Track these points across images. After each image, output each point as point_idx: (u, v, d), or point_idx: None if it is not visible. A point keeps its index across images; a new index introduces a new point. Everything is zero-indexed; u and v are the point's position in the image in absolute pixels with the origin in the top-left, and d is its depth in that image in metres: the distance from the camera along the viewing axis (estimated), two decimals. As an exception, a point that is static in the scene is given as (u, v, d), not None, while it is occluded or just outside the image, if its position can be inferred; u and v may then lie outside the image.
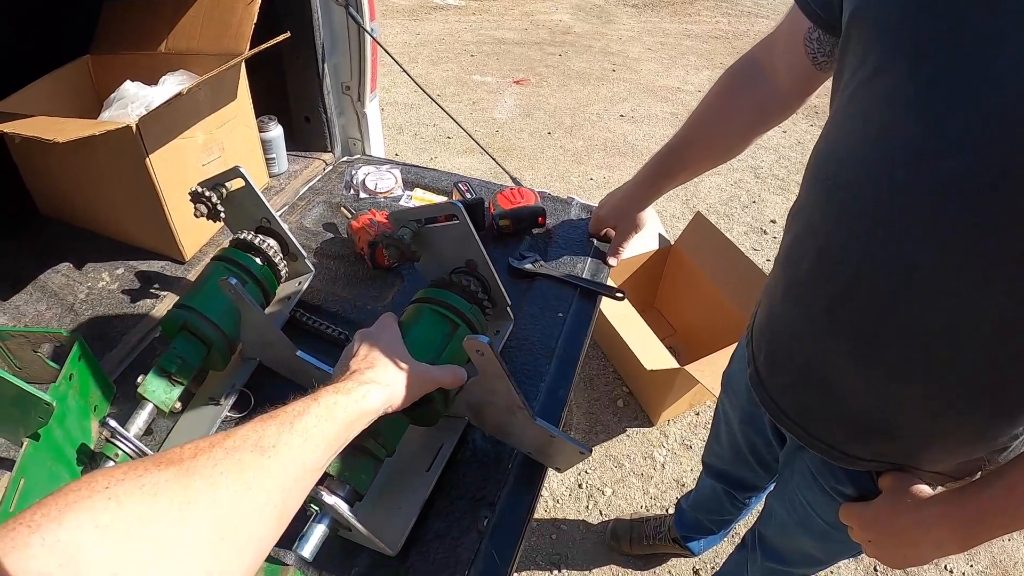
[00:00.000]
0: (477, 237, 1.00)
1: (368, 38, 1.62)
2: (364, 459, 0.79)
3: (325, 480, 0.76)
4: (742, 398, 1.19)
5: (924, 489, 0.82)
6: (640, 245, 2.44)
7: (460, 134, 3.89)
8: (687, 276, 2.46)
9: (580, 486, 2.19)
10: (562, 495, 2.16)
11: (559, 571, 1.96)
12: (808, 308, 0.83)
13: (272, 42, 1.38)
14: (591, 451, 0.85)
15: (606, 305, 2.19)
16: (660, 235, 2.47)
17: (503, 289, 1.06)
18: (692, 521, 1.80)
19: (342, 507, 0.73)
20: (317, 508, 0.74)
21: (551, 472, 2.12)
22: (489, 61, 4.94)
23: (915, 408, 0.78)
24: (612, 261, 1.35)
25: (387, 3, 6.04)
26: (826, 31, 0.84)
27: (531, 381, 1.08)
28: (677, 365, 1.99)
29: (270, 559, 0.84)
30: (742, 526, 1.98)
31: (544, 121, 4.16)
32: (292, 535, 0.76)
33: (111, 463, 0.90)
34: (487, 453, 0.97)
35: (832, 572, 1.91)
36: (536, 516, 2.07)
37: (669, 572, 1.95)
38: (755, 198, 3.38)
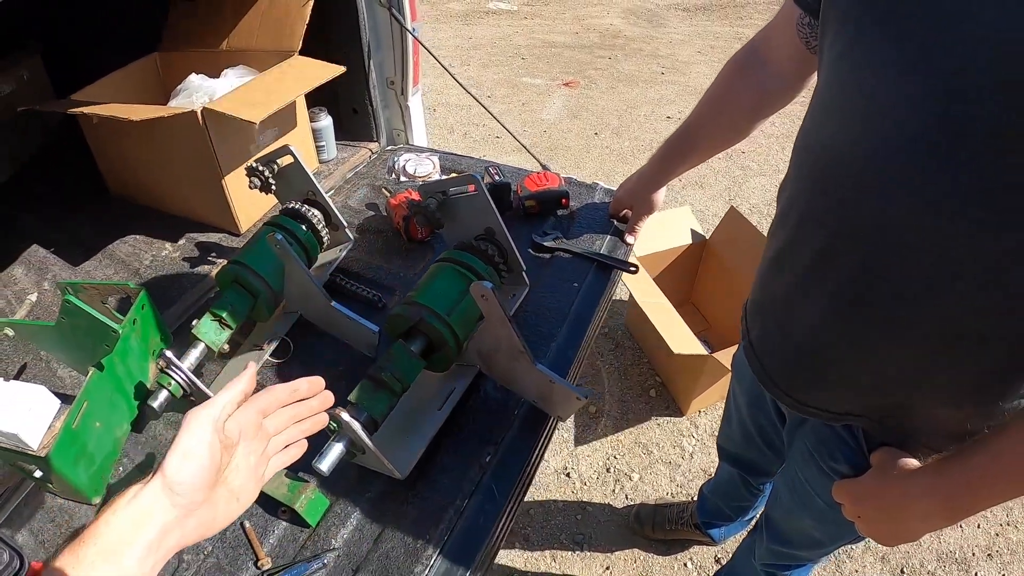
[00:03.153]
0: (494, 206, 1.10)
1: (410, 37, 1.74)
2: (381, 391, 0.90)
3: (346, 405, 0.87)
4: (748, 379, 1.22)
5: (911, 462, 0.83)
6: (674, 239, 2.49)
7: (508, 134, 3.99)
8: (721, 271, 2.50)
9: (608, 470, 2.25)
10: (590, 478, 2.22)
11: (582, 550, 2.02)
12: (792, 272, 0.87)
13: (328, 78, 1.53)
14: (588, 397, 0.93)
15: (638, 294, 2.25)
16: (693, 230, 2.52)
17: (519, 255, 1.15)
18: (713, 507, 1.84)
19: (357, 427, 0.83)
20: (336, 426, 0.85)
21: (580, 456, 2.22)
22: (539, 64, 5.04)
23: (898, 368, 0.80)
24: (629, 239, 1.42)
25: (440, 8, 6.21)
26: (815, 16, 0.89)
27: (543, 342, 1.17)
28: (705, 352, 2.04)
29: (291, 475, 0.96)
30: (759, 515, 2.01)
31: (591, 122, 4.23)
32: (312, 454, 0.88)
33: (165, 393, 1.03)
34: (495, 401, 1.06)
35: (858, 572, 1.92)
36: (563, 498, 2.15)
37: (691, 559, 1.99)
38: (799, 199, 3.37)
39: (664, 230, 2.51)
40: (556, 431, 2.29)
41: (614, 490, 2.18)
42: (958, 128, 0.61)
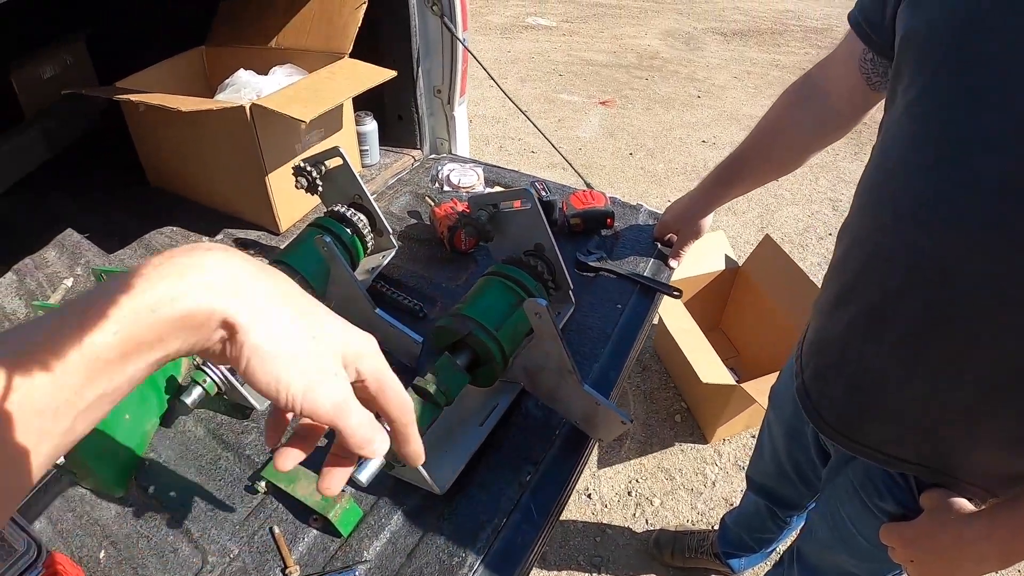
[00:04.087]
0: (546, 222, 1.09)
1: (460, 46, 1.74)
2: (425, 403, 0.88)
3: (391, 415, 0.86)
4: (787, 412, 1.21)
5: (966, 504, 0.82)
6: (707, 264, 2.47)
7: (543, 149, 4.00)
8: (753, 299, 2.47)
9: (630, 494, 2.22)
10: (611, 500, 2.20)
11: (599, 573, 1.99)
12: (855, 314, 0.87)
13: (379, 81, 1.53)
14: (632, 420, 0.92)
15: (668, 319, 2.24)
16: (727, 256, 2.50)
17: (567, 273, 1.14)
18: (735, 538, 1.81)
19: (403, 438, 0.82)
20: (381, 436, 0.83)
21: (602, 477, 2.19)
22: (577, 81, 5.05)
23: (957, 408, 0.80)
24: (673, 263, 1.41)
25: (481, 20, 6.26)
26: (879, 54, 0.89)
27: (586, 362, 1.16)
28: (733, 382, 2.02)
29: None
30: (782, 547, 1.98)
31: (627, 142, 4.23)
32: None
33: (199, 389, 1.02)
34: (537, 419, 1.05)
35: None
36: (583, 519, 2.12)
37: (709, 588, 1.96)
38: (831, 230, 3.34)
39: (697, 255, 2.48)
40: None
41: (635, 514, 2.16)
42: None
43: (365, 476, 0.83)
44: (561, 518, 2.09)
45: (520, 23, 6.25)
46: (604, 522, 2.13)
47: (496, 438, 1.01)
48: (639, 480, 2.25)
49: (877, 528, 0.93)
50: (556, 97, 4.79)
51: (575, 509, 2.16)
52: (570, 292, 1.19)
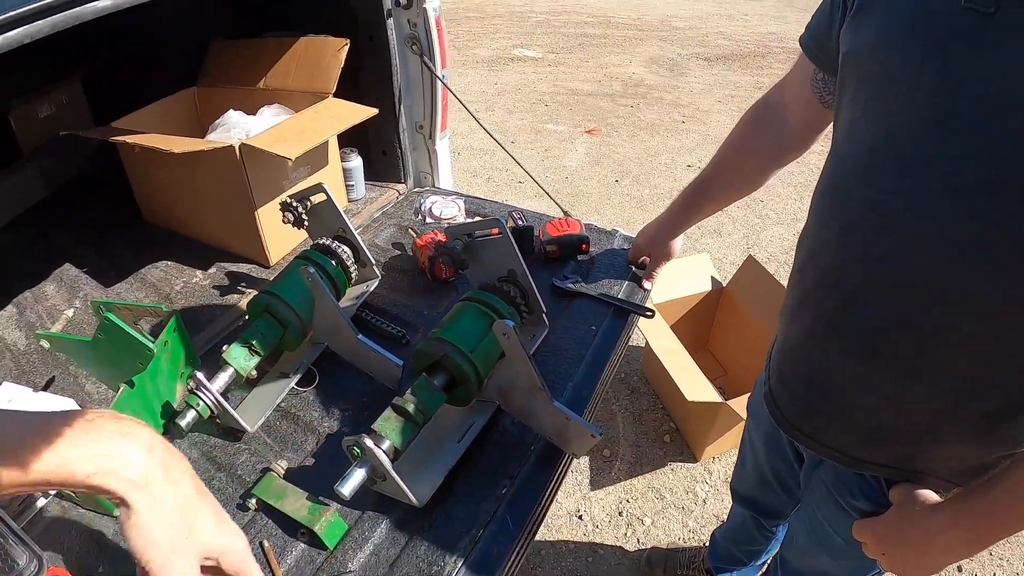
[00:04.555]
0: (517, 249, 1.15)
1: (439, 83, 1.82)
2: (404, 421, 0.94)
3: (370, 433, 0.91)
4: (764, 421, 1.24)
5: (931, 496, 0.84)
6: (692, 286, 2.53)
7: (531, 179, 4.07)
8: (738, 319, 2.52)
9: (620, 514, 2.25)
10: (602, 520, 2.22)
11: (592, 593, 2.02)
12: (814, 320, 0.91)
13: (363, 117, 1.62)
14: (601, 435, 0.97)
15: (654, 340, 2.28)
16: (712, 277, 2.56)
17: (539, 297, 1.20)
18: (724, 552, 1.83)
19: (380, 454, 0.87)
20: (359, 452, 0.89)
21: (593, 499, 2.23)
22: (562, 111, 5.16)
23: (917, 409, 0.83)
24: (647, 284, 1.47)
25: (468, 54, 6.40)
26: (829, 72, 0.94)
27: (560, 381, 1.21)
28: (719, 399, 2.06)
29: (312, 498, 1.00)
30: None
31: (613, 169, 4.31)
32: (334, 478, 0.92)
33: (193, 413, 1.08)
34: (513, 436, 1.10)
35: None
36: (574, 539, 2.15)
37: (702, 604, 1.98)
38: (816, 249, 3.40)
39: (682, 277, 2.54)
40: (570, 474, 2.31)
41: (626, 534, 2.18)
42: (982, 183, 0.66)
43: (347, 489, 0.88)
44: (552, 539, 2.13)
45: (506, 55, 6.39)
46: (596, 542, 2.15)
47: (473, 454, 1.06)
48: (630, 500, 2.28)
49: (851, 526, 0.95)
50: (542, 127, 4.89)
51: (567, 530, 2.19)
52: (543, 315, 1.25)
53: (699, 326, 2.67)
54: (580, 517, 2.23)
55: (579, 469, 2.37)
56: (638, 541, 2.16)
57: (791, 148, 1.14)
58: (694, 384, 2.11)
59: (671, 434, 2.48)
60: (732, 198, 1.29)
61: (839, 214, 0.84)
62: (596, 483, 2.33)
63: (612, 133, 4.78)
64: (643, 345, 2.69)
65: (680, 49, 6.53)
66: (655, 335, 2.30)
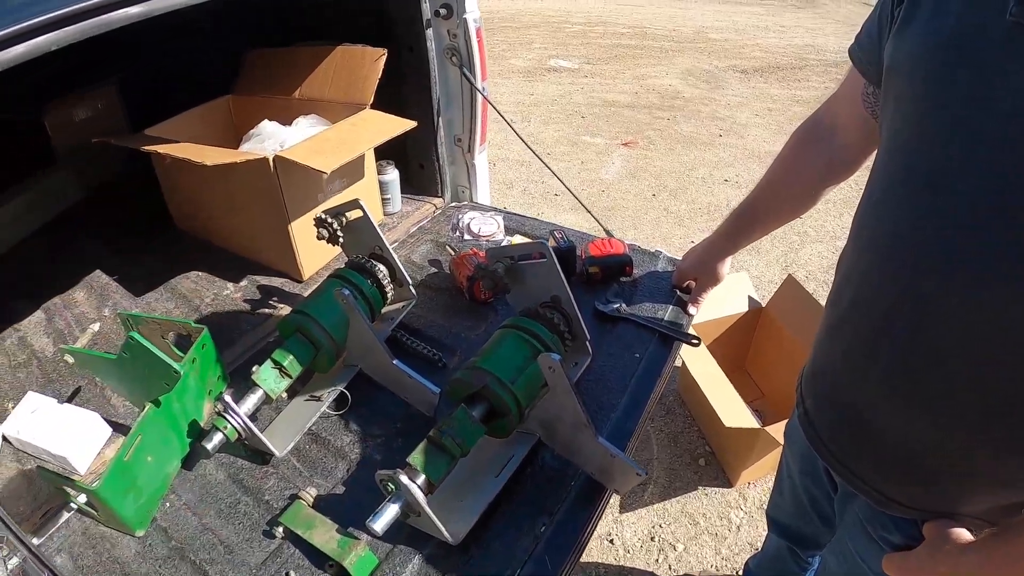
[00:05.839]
0: (562, 275, 1.11)
1: (479, 96, 1.79)
2: (441, 455, 0.90)
3: (405, 466, 0.87)
4: (800, 447, 1.20)
5: (963, 535, 0.82)
6: (730, 306, 2.47)
7: (567, 192, 4.04)
8: (777, 339, 2.45)
9: (652, 539, 2.19)
10: (634, 546, 2.17)
11: (622, 620, 1.97)
12: (847, 346, 0.88)
13: (401, 130, 1.59)
14: (647, 473, 0.92)
15: (691, 363, 2.23)
16: (750, 297, 2.49)
17: (583, 325, 1.16)
18: (759, 582, 1.78)
19: (415, 490, 0.83)
20: (393, 487, 0.85)
21: (625, 522, 2.17)
22: (599, 123, 5.11)
23: (950, 443, 0.79)
24: (692, 310, 1.42)
25: (504, 64, 6.39)
26: (878, 86, 0.89)
27: (603, 412, 1.16)
28: (757, 425, 2.00)
29: (342, 531, 0.96)
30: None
31: (649, 183, 4.25)
32: (367, 511, 0.88)
33: (219, 435, 1.05)
34: (553, 470, 1.06)
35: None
36: (605, 563, 2.10)
37: (734, 636, 1.92)
38: (857, 269, 3.31)
39: (720, 297, 2.48)
40: (602, 496, 2.26)
41: (657, 560, 2.13)
42: (1016, 202, 0.63)
43: (380, 525, 0.84)
44: (582, 562, 2.07)
45: (543, 66, 6.37)
46: (627, 567, 2.10)
47: (512, 489, 1.02)
48: (662, 525, 2.22)
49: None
50: (579, 139, 4.85)
51: (597, 554, 2.14)
52: (587, 343, 1.20)
53: (737, 346, 2.60)
54: (611, 541, 2.17)
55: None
56: (670, 567, 2.10)
57: (843, 166, 1.09)
58: (732, 409, 2.05)
59: (706, 457, 2.41)
60: (782, 220, 1.25)
61: (874, 235, 0.81)
62: (628, 506, 2.27)
63: (649, 146, 4.73)
64: (680, 365, 2.63)
65: (717, 61, 6.45)
66: (692, 357, 2.24)
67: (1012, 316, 0.66)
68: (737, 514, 2.24)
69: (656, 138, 4.84)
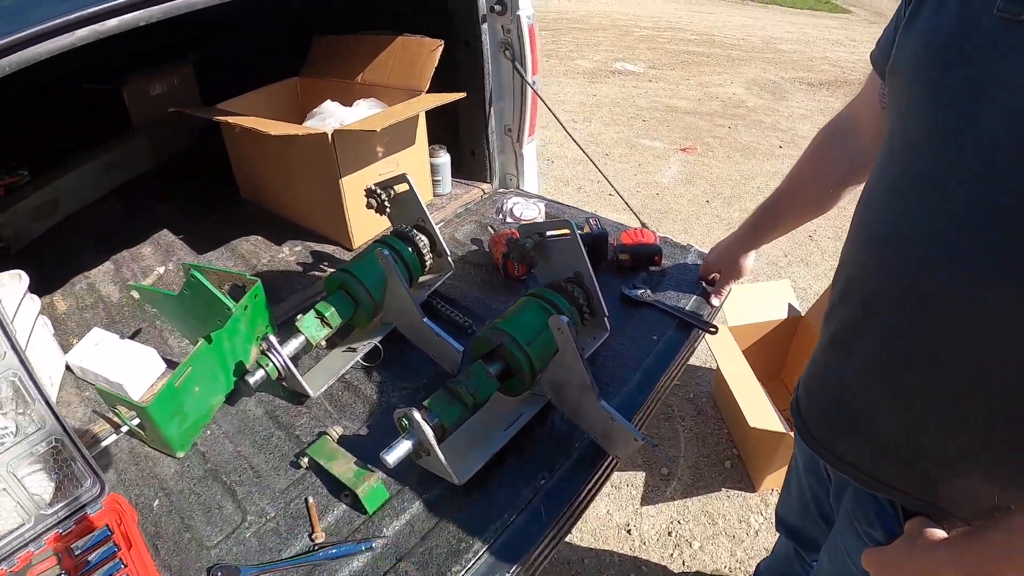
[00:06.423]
0: (584, 252, 1.18)
1: (529, 89, 1.87)
2: (455, 402, 0.98)
3: (420, 408, 0.96)
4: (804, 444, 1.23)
5: (937, 532, 0.82)
6: (769, 312, 2.48)
7: (622, 192, 4.08)
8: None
9: (670, 534, 2.22)
10: (650, 538, 2.20)
11: (631, 608, 2.01)
12: (835, 331, 0.90)
13: (449, 99, 1.69)
14: (645, 439, 0.98)
15: (724, 364, 2.25)
16: (790, 305, 2.49)
17: (603, 301, 1.22)
18: (768, 585, 1.80)
19: (426, 428, 0.91)
20: (408, 424, 0.94)
21: (644, 515, 2.21)
22: (659, 127, 5.12)
23: (931, 434, 0.80)
24: (715, 300, 1.46)
25: (570, 64, 6.45)
26: None
27: (614, 385, 1.23)
28: (783, 429, 2.01)
29: (359, 463, 1.06)
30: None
31: (704, 189, 4.26)
32: (382, 446, 0.97)
33: (262, 372, 1.15)
34: (561, 433, 1.13)
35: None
36: (620, 552, 2.14)
37: (742, 636, 1.94)
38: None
39: (760, 302, 2.49)
40: (624, 487, 2.31)
41: (672, 555, 2.15)
42: (1007, 194, 0.64)
43: (392, 458, 0.93)
44: (599, 548, 2.13)
45: (608, 68, 6.41)
46: (641, 558, 2.14)
47: (520, 445, 1.10)
48: (681, 521, 2.25)
49: None
50: (638, 142, 4.87)
51: (614, 542, 2.18)
52: (605, 319, 1.27)
53: (773, 354, 2.60)
54: (629, 531, 2.21)
55: (634, 484, 2.36)
56: (683, 563, 2.13)
57: (863, 167, 1.10)
58: (759, 411, 2.06)
59: (732, 460, 2.43)
60: (804, 218, 1.27)
61: (872, 234, 0.83)
62: (649, 499, 2.31)
63: (707, 152, 4.72)
64: (715, 368, 2.65)
65: (784, 72, 6.37)
66: (725, 357, 2.26)
67: (1015, 318, 0.66)
68: (757, 519, 2.25)
69: (715, 145, 4.82)
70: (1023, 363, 0.68)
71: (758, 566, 1.86)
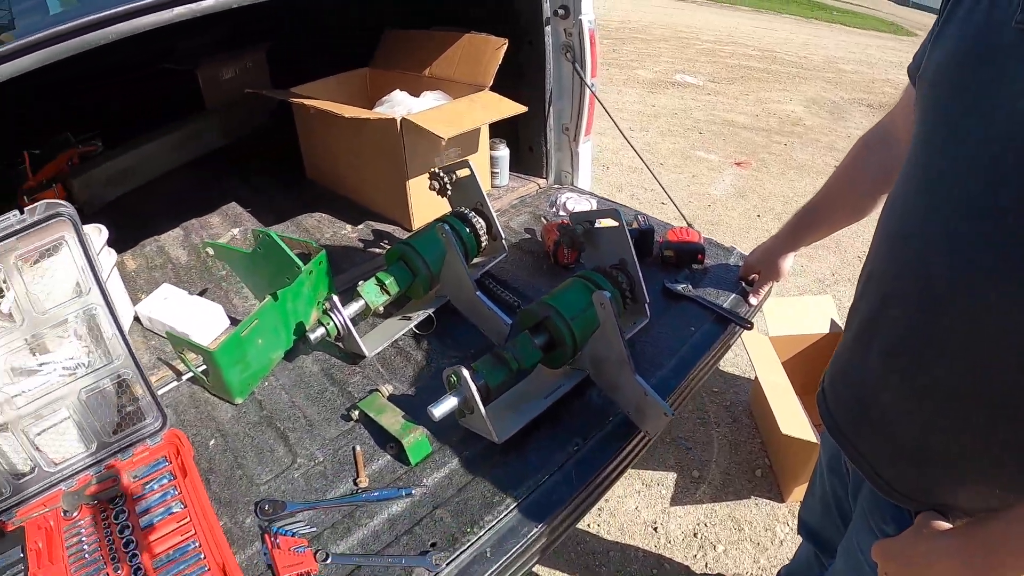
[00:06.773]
0: (630, 241, 1.24)
1: (588, 91, 1.94)
2: (500, 366, 1.06)
3: (468, 368, 1.03)
4: (828, 443, 1.23)
5: (943, 524, 0.83)
6: (810, 325, 2.49)
7: (672, 202, 4.12)
8: (854, 367, 2.44)
9: (695, 535, 2.25)
10: (676, 537, 2.24)
11: (652, 604, 2.04)
12: (857, 325, 0.93)
13: (512, 112, 1.78)
14: (674, 414, 1.04)
15: (762, 372, 2.27)
16: (833, 320, 2.50)
17: (644, 288, 1.29)
18: (787, 592, 1.82)
19: (472, 386, 0.99)
20: (456, 381, 1.01)
21: (672, 514, 2.25)
22: (715, 140, 5.13)
23: (940, 431, 0.83)
24: (752, 300, 1.51)
25: (630, 73, 6.50)
26: None
27: (650, 368, 1.29)
28: (815, 439, 2.03)
29: (407, 416, 1.14)
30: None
31: (756, 204, 4.25)
32: (430, 401, 1.05)
33: (321, 330, 1.25)
34: (597, 407, 1.20)
35: None
36: (645, 548, 2.18)
37: (760, 639, 1.96)
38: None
39: (802, 315, 2.51)
40: (654, 486, 2.35)
41: (696, 555, 2.18)
42: (995, 199, 0.68)
43: (439, 411, 1.01)
44: (624, 543, 2.17)
45: (668, 79, 6.43)
46: (665, 556, 2.17)
47: (557, 414, 1.17)
48: (707, 524, 2.28)
49: None
50: (693, 154, 4.89)
51: (639, 538, 2.22)
52: (645, 305, 1.33)
53: (813, 368, 2.60)
54: (655, 529, 2.25)
55: (665, 483, 2.40)
56: (706, 565, 2.15)
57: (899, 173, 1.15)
58: (793, 419, 2.08)
59: (763, 470, 2.44)
60: (842, 223, 1.31)
61: (887, 222, 0.87)
62: (678, 500, 2.34)
63: (761, 168, 4.71)
64: (753, 379, 2.67)
65: (843, 93, 6.30)
66: (764, 365, 2.28)
67: (1016, 319, 0.69)
68: (783, 528, 2.26)
69: (770, 161, 4.81)
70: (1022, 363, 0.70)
71: (779, 572, 1.88)
